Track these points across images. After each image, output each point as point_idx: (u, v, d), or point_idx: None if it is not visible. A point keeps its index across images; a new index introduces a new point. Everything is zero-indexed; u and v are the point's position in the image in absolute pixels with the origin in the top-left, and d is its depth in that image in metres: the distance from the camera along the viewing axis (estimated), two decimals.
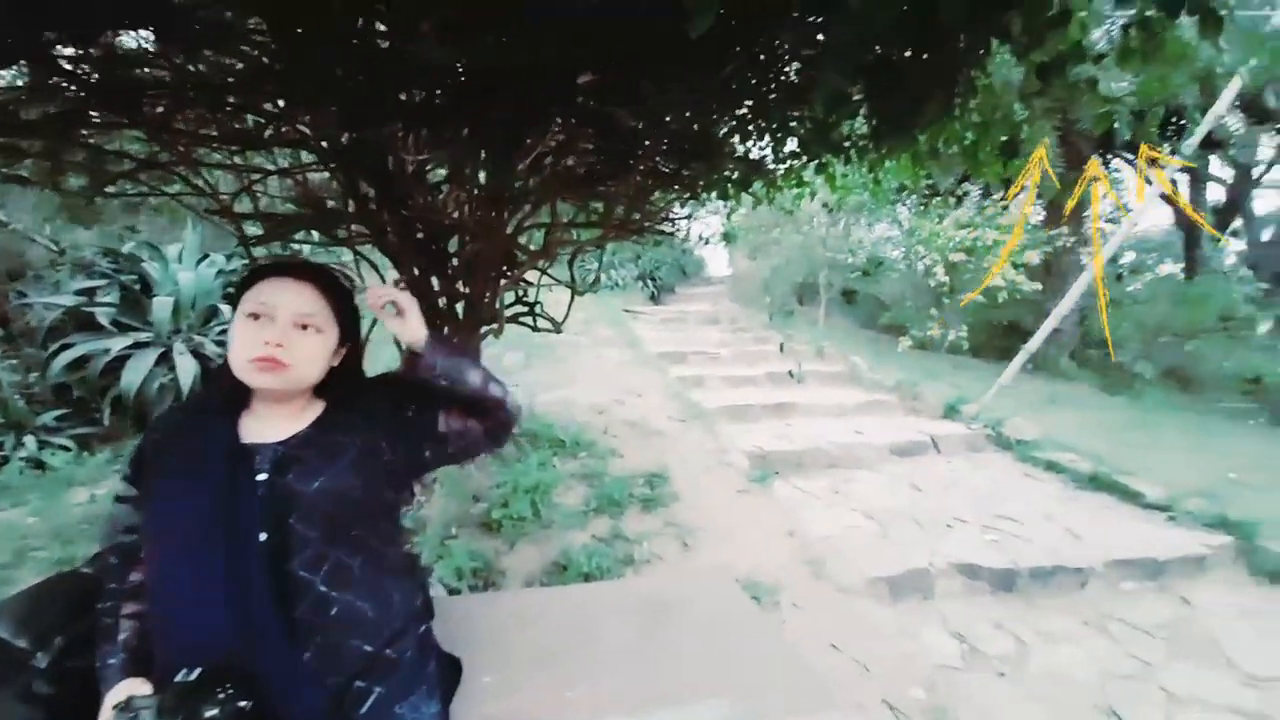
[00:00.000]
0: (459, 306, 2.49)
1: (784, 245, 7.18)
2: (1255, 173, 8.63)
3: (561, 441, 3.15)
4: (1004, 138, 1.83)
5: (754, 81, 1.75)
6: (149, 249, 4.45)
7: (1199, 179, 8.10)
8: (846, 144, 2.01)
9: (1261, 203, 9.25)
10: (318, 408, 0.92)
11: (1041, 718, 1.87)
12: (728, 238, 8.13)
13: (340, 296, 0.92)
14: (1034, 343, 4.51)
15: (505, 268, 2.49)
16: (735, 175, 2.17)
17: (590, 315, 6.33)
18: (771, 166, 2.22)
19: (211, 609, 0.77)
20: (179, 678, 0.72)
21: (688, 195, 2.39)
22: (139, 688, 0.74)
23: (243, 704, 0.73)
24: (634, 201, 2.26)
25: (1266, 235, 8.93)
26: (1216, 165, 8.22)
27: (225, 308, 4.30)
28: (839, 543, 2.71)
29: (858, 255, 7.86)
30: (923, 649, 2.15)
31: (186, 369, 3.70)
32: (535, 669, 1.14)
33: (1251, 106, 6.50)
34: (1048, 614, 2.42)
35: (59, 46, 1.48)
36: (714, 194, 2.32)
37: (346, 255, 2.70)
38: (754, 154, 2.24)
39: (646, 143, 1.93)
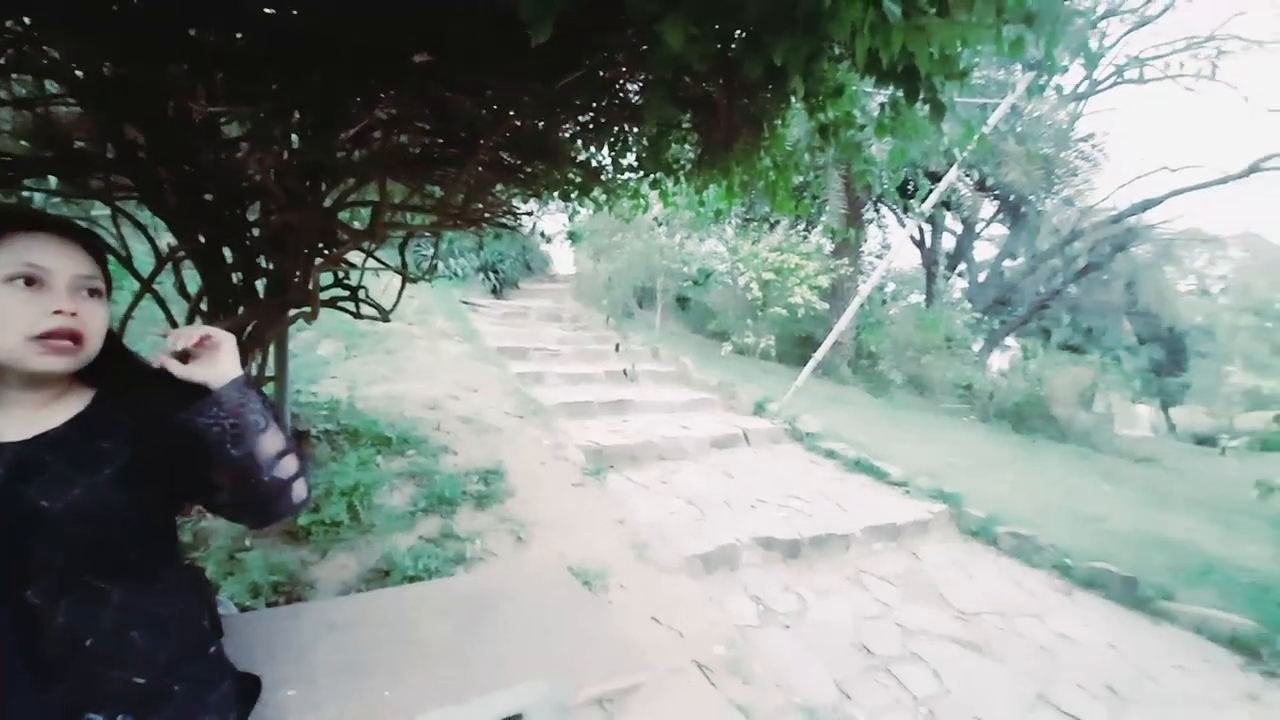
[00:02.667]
0: (260, 284, 2.19)
1: (626, 250, 7.53)
2: (977, 228, 11.37)
3: (387, 439, 2.93)
4: (797, 180, 2.20)
5: (594, 95, 1.86)
6: None
7: (936, 229, 10.42)
8: (675, 165, 2.22)
9: (978, 251, 12.23)
10: (77, 397, 0.76)
11: (813, 658, 2.29)
12: (573, 237, 8.25)
13: (105, 260, 0.78)
14: (820, 352, 5.39)
15: (322, 245, 2.25)
16: (577, 180, 2.26)
17: (426, 305, 5.93)
18: (610, 176, 2.35)
19: None
20: None
21: (530, 192, 2.41)
22: None
23: None
24: (475, 191, 2.22)
25: (981, 276, 11.82)
26: (950, 220, 10.65)
27: None
28: (663, 527, 2.96)
29: (690, 266, 8.57)
30: (727, 613, 2.46)
31: None
32: (346, 676, 1.09)
33: (975, 178, 8.58)
34: (821, 574, 2.94)
35: None
36: (556, 194, 2.38)
37: (100, 210, 2.21)
38: (594, 162, 2.35)
39: (489, 134, 1.92)
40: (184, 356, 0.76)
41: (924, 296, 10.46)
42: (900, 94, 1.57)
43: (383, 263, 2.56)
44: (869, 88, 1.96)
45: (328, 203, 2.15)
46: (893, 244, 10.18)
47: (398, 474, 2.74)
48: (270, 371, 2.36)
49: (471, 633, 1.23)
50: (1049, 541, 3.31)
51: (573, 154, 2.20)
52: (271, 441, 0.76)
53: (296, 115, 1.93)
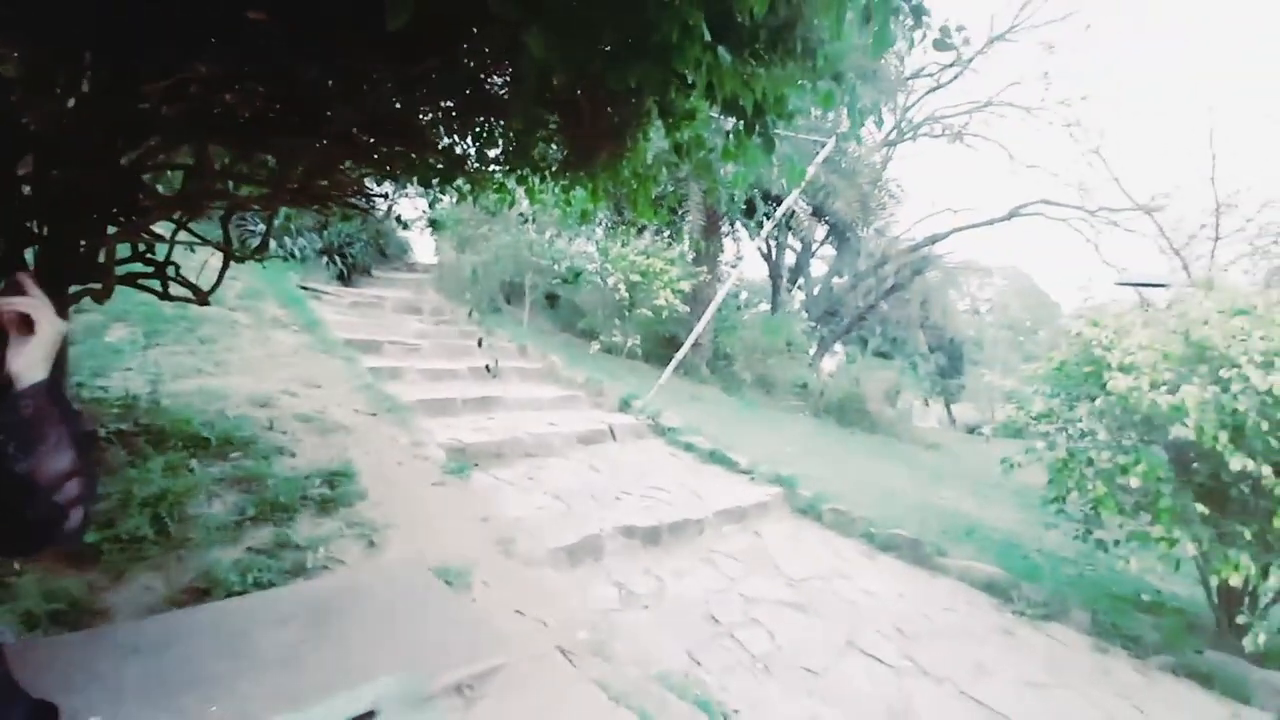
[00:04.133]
0: (31, 252, 1.79)
1: (493, 243, 7.30)
2: (813, 248, 12.88)
3: (203, 440, 2.55)
4: (656, 190, 2.36)
5: (457, 83, 1.82)
6: None
7: (780, 246, 11.65)
8: (543, 164, 2.26)
9: (814, 268, 13.90)
10: None
11: (670, 633, 2.46)
12: (435, 225, 7.79)
13: None
14: (682, 353, 5.76)
15: (117, 212, 1.91)
16: (438, 166, 2.18)
17: (255, 289, 5.20)
18: (475, 167, 2.31)
19: None
20: None
21: (385, 173, 2.27)
22: None
23: None
24: (319, 166, 2.03)
25: (816, 290, 13.44)
26: (791, 239, 11.95)
27: None
28: (529, 522, 2.96)
29: (560, 264, 8.56)
30: (590, 600, 2.55)
31: None
32: (160, 696, 0.97)
33: (811, 204, 9.73)
34: (678, 557, 3.16)
35: None
36: (415, 180, 2.27)
37: None
38: (458, 150, 2.28)
39: (338, 107, 1.78)
40: None
41: (770, 305, 11.62)
42: (741, 125, 1.78)
43: (199, 237, 2.23)
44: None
45: (125, 160, 1.83)
46: (744, 255, 11.14)
47: (218, 480, 2.40)
48: None
49: (314, 638, 1.15)
50: (860, 515, 3.92)
51: (434, 140, 2.12)
52: (62, 459, 0.67)
53: (88, 57, 1.62)
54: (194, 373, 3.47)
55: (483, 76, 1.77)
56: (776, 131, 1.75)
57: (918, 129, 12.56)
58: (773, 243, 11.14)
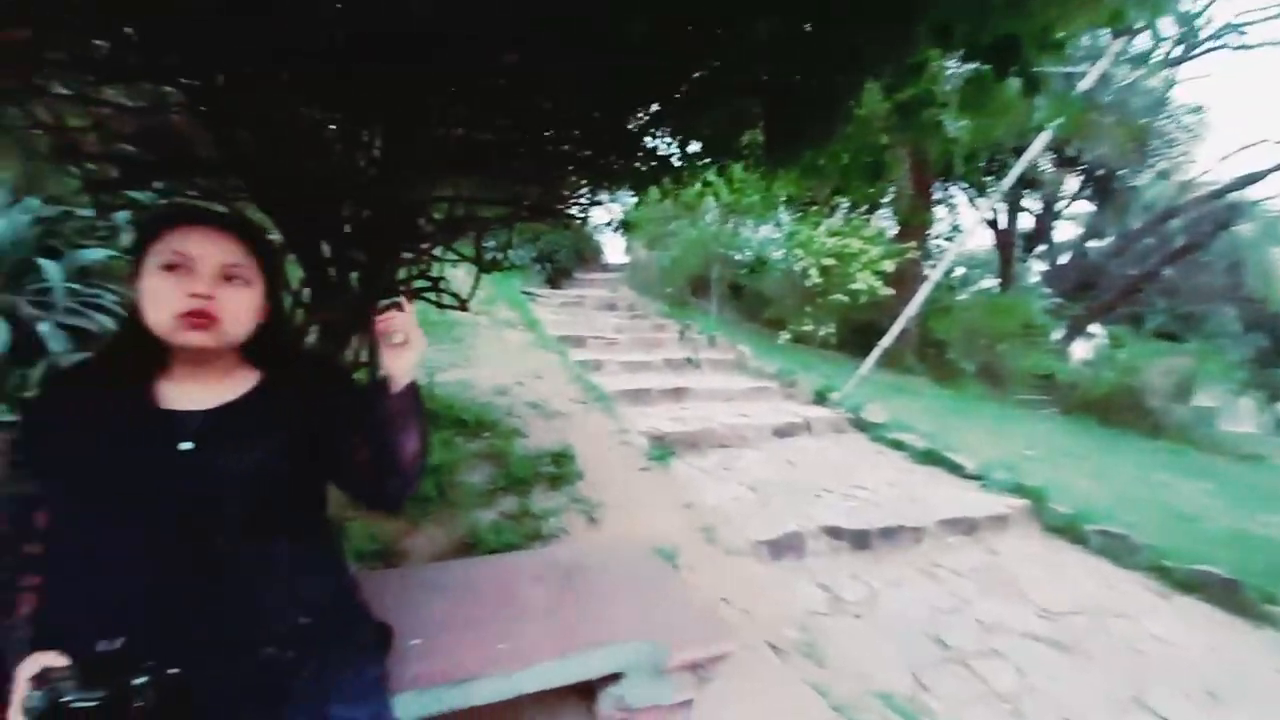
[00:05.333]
0: (353, 276, 2.36)
1: (681, 238, 7.50)
2: (1058, 207, 10.59)
3: (464, 421, 3.10)
4: (871, 161, 2.14)
5: (666, 83, 1.87)
6: None
7: (1014, 209, 9.77)
8: (745, 152, 2.21)
9: (1060, 232, 11.39)
10: (248, 373, 0.87)
11: (887, 647, 2.26)
12: (626, 226, 8.28)
13: (264, 248, 0.88)
14: (887, 340, 5.21)
15: (407, 239, 2.40)
16: (645, 169, 2.29)
17: (490, 295, 6.16)
18: (677, 164, 2.37)
19: (129, 580, 0.73)
20: (101, 647, 0.68)
21: (600, 183, 2.46)
22: (51, 660, 0.69)
23: (171, 671, 0.71)
24: (549, 184, 2.29)
25: (1063, 259, 11.02)
26: (1027, 198, 9.97)
27: (46, 263, 3.59)
28: (727, 512, 2.98)
29: (745, 253, 8.44)
30: (795, 598, 2.47)
31: None
32: (460, 630, 1.19)
33: (1058, 153, 7.98)
34: (892, 565, 2.88)
35: None
36: (626, 185, 2.42)
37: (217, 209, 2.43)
38: (661, 150, 2.37)
39: (561, 128, 1.98)
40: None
41: (998, 281, 9.86)
42: (987, 69, 1.50)
43: (460, 254, 2.69)
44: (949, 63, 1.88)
45: (412, 199, 2.28)
46: (963, 225, 9.62)
47: (476, 454, 2.90)
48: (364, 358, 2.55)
49: (568, 597, 1.31)
50: (1145, 542, 3.10)
51: (641, 144, 2.23)
52: (418, 442, 0.89)
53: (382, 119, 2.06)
54: (452, 366, 4.24)
55: (687, 74, 1.80)
56: (1038, 71, 1.44)
57: (1218, 37, 9.27)
58: (1003, 206, 9.37)
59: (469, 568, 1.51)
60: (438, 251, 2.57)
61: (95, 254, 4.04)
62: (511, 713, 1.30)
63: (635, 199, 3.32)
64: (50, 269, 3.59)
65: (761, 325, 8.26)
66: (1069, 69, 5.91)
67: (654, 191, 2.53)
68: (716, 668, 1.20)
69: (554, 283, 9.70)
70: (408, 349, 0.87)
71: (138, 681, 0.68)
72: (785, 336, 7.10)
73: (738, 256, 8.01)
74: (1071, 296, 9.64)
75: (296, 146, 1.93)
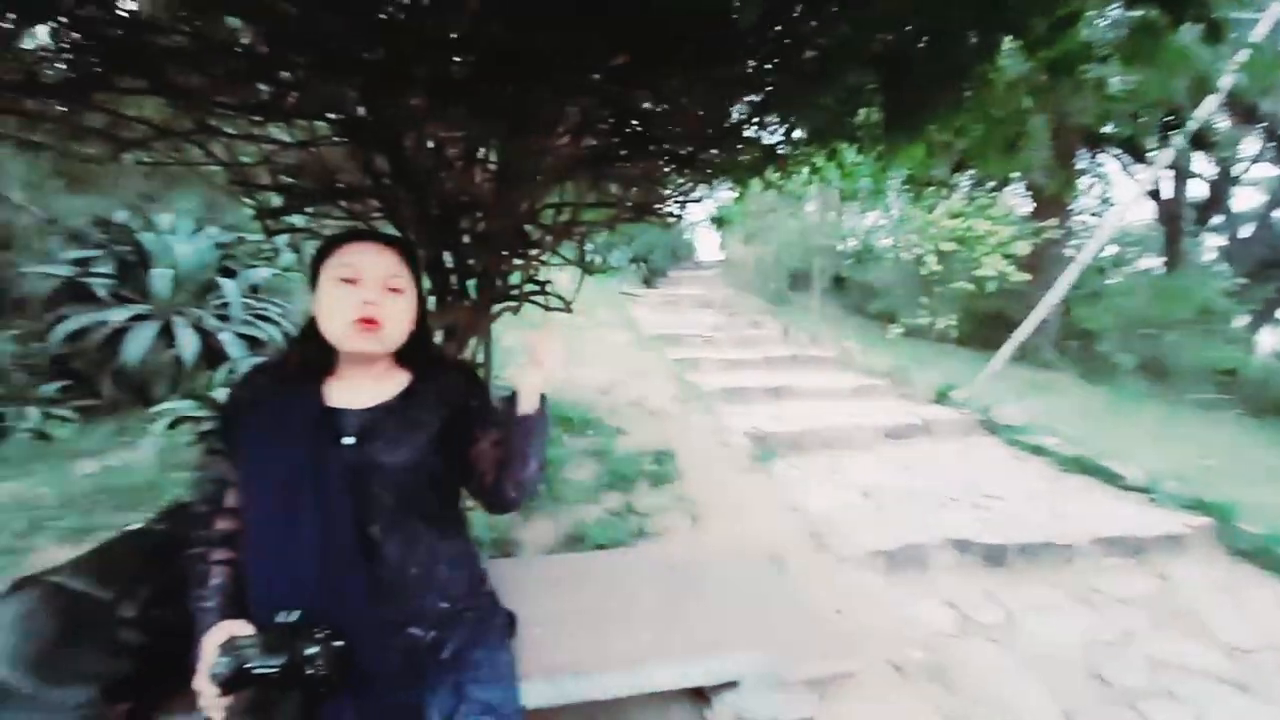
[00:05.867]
0: (470, 284, 2.52)
1: (780, 231, 7.24)
2: (1236, 170, 8.86)
3: (570, 419, 3.21)
4: (1011, 132, 1.90)
5: (772, 69, 1.79)
6: (141, 219, 4.36)
7: (1182, 175, 8.29)
8: (859, 132, 2.06)
9: (1240, 199, 9.51)
10: (399, 375, 0.96)
11: (1033, 680, 2.01)
12: (719, 222, 8.17)
13: (415, 261, 0.95)
14: (1023, 332, 4.65)
15: (519, 246, 2.51)
16: (749, 160, 2.21)
17: (589, 297, 6.35)
18: (783, 152, 2.26)
19: (303, 560, 0.82)
20: (279, 619, 0.77)
21: (702, 179, 2.43)
22: (239, 628, 0.79)
23: (337, 644, 0.78)
24: (651, 184, 2.29)
25: (1245, 231, 9.20)
26: (1198, 162, 8.42)
27: (225, 281, 4.25)
28: (838, 519, 2.82)
29: (849, 243, 7.96)
30: (919, 616, 2.27)
31: (187, 342, 3.67)
32: (578, 624, 1.22)
33: (1236, 107, 6.67)
34: (1035, 587, 2.56)
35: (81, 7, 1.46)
36: (728, 178, 2.36)
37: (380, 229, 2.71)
38: (765, 139, 2.27)
39: (665, 126, 1.96)
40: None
41: (1162, 260, 8.44)
42: (1156, 13, 1.27)
43: (565, 258, 2.78)
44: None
45: (523, 208, 2.39)
46: (1115, 198, 8.34)
47: (581, 452, 2.99)
48: (480, 360, 2.72)
49: (683, 598, 1.30)
50: None
51: (744, 135, 2.16)
52: (537, 458, 0.95)
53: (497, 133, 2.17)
54: None
55: (795, 56, 1.70)
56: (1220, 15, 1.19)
57: None
58: (1167, 173, 7.99)
59: (582, 562, 1.54)
60: (545, 256, 2.67)
61: (263, 272, 4.72)
62: (621, 709, 1.32)
63: (735, 193, 3.24)
64: (228, 287, 4.25)
65: (867, 318, 7.75)
66: (1241, 14, 4.91)
67: (755, 183, 2.45)
68: (841, 687, 1.12)
69: (649, 282, 9.80)
70: (540, 368, 0.92)
71: (310, 651, 0.76)
72: (897, 330, 6.59)
73: (841, 247, 7.57)
74: (1257, 276, 7.98)
75: (424, 167, 2.09)
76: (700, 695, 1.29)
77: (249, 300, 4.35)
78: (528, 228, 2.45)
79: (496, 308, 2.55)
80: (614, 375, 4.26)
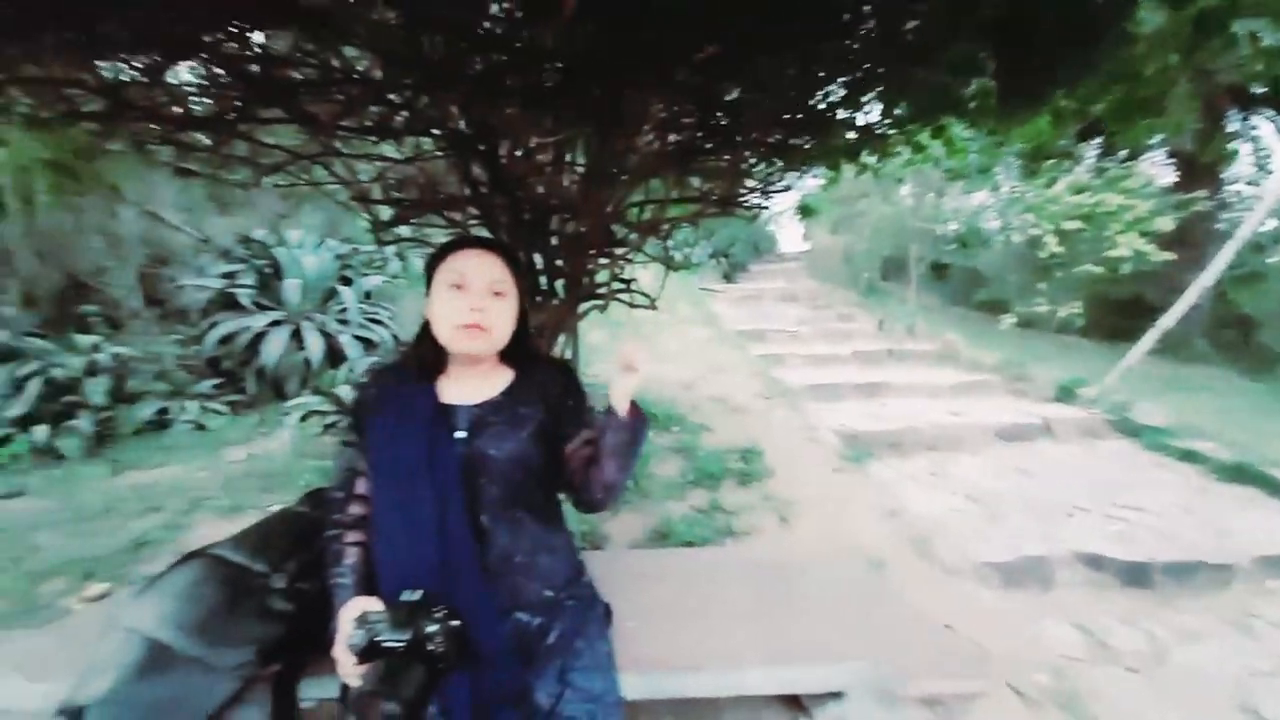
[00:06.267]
0: (559, 284, 2.60)
1: (870, 217, 6.83)
2: None
3: (654, 415, 3.22)
4: (1156, 93, 1.65)
5: (871, 44, 1.68)
6: (276, 236, 4.93)
7: None
8: (970, 105, 1.88)
9: None
10: (504, 374, 1.01)
11: (1179, 714, 1.75)
12: (805, 211, 7.87)
13: (518, 266, 1.00)
14: (1168, 319, 4.06)
15: (605, 246, 2.56)
16: (843, 144, 2.10)
17: (670, 293, 6.36)
18: (882, 132, 2.12)
19: (422, 544, 0.88)
20: (404, 596, 0.83)
21: (790, 167, 2.34)
22: (369, 604, 0.87)
23: (454, 623, 0.84)
24: (736, 176, 2.24)
25: None
26: None
27: (343, 289, 4.70)
28: (943, 525, 2.62)
29: (950, 226, 7.33)
30: (1043, 638, 2.06)
31: (314, 344, 4.10)
32: (669, 620, 1.22)
33: None
34: (1185, 611, 2.24)
35: (224, 46, 1.66)
36: (820, 165, 2.26)
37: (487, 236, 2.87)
38: (861, 120, 2.15)
39: (752, 115, 1.91)
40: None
41: None
42: None
43: (649, 255, 2.79)
44: None
45: (609, 207, 2.43)
46: (1276, 164, 7.06)
47: (666, 448, 3.00)
48: (568, 357, 2.80)
49: (776, 600, 1.26)
50: None
51: (838, 118, 2.05)
52: (626, 466, 0.97)
53: (584, 136, 2.22)
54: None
55: (897, 29, 1.59)
56: None
57: None
58: None
59: (671, 558, 1.55)
60: (630, 254, 2.70)
61: (374, 280, 5.17)
62: (714, 709, 1.30)
63: (823, 180, 3.10)
64: (346, 294, 4.70)
65: (972, 309, 7.13)
66: None
67: (849, 169, 2.32)
68: (962, 708, 1.03)
69: (730, 277, 9.64)
70: (632, 375, 0.93)
71: (431, 629, 0.81)
72: (1009, 321, 5.99)
73: (941, 231, 7.00)
74: None
75: (517, 173, 2.18)
76: (797, 703, 1.24)
77: (363, 305, 4.79)
78: (614, 227, 2.49)
79: (584, 306, 2.62)
80: (696, 371, 4.24)
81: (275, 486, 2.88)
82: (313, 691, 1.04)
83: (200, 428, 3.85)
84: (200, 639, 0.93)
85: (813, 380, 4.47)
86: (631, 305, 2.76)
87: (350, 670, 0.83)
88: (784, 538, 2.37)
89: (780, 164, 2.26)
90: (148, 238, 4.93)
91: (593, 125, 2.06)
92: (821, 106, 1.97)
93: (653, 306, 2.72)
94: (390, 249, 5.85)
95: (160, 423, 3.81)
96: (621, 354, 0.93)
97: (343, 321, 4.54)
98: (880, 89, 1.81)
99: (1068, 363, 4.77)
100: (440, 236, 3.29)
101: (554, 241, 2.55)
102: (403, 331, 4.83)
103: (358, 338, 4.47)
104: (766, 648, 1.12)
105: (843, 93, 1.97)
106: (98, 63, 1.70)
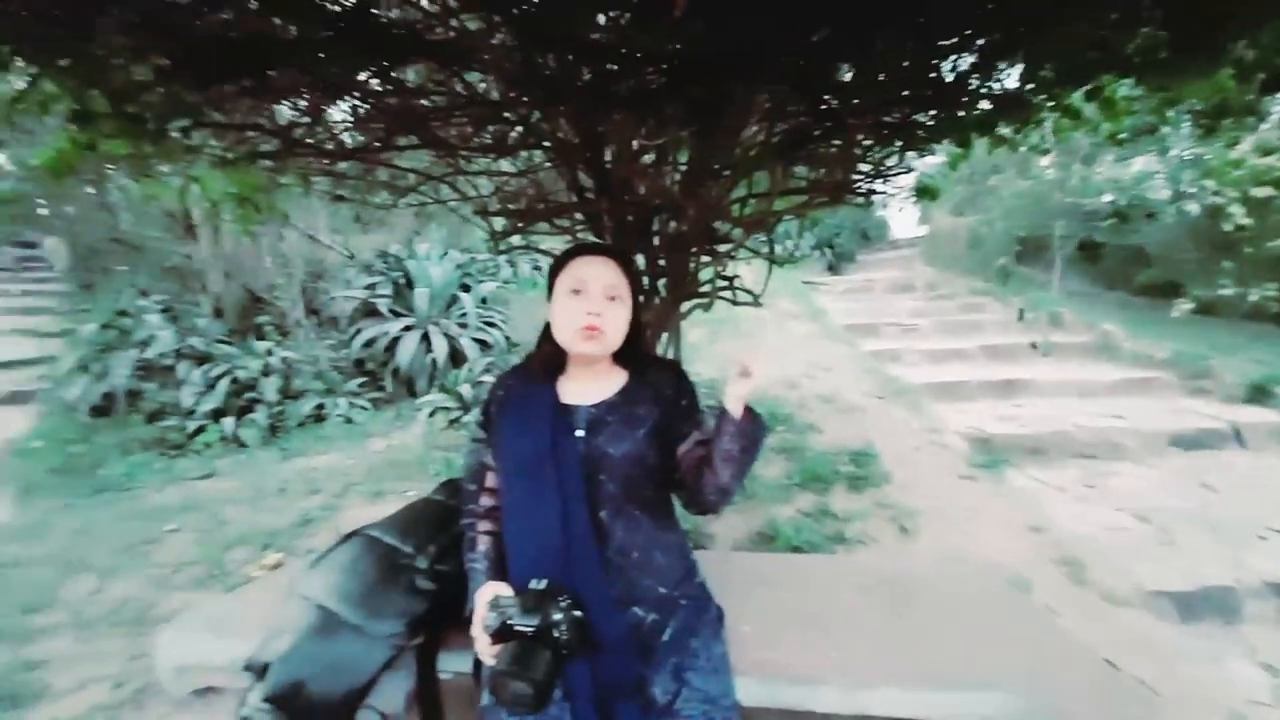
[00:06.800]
0: (661, 283, 2.61)
1: (1004, 195, 6.12)
2: None
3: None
4: None
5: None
6: (408, 250, 5.48)
7: None
8: (1135, 60, 1.62)
9: None
10: (618, 375, 1.04)
11: None
12: (924, 193, 7.26)
13: (632, 271, 1.03)
14: None
15: (708, 243, 2.53)
16: (975, 117, 1.89)
17: (771, 287, 6.17)
18: (1025, 100, 1.89)
19: (547, 536, 0.93)
20: (532, 584, 0.88)
21: (911, 147, 2.16)
22: (501, 589, 0.93)
23: (578, 613, 0.87)
24: (848, 162, 2.11)
25: None
26: None
27: (463, 295, 5.12)
28: (1101, 546, 2.29)
29: (1102, 199, 6.34)
30: (1225, 679, 1.73)
31: (440, 347, 4.51)
32: (784, 626, 1.17)
33: None
34: None
35: (370, 83, 1.86)
36: (947, 141, 2.06)
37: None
38: (996, 88, 1.92)
39: (867, 96, 1.78)
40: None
41: None
42: None
43: (753, 251, 2.72)
44: None
45: (712, 204, 2.40)
46: None
47: (771, 449, 2.91)
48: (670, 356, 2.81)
49: (902, 615, 1.17)
50: None
51: (969, 87, 1.85)
52: (739, 472, 0.94)
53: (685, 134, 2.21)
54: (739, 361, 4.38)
55: None
56: None
57: None
58: None
59: (783, 563, 1.50)
60: (734, 251, 2.65)
61: (489, 286, 5.57)
62: None
63: (943, 159, 2.82)
64: (465, 300, 5.11)
65: (1132, 293, 6.13)
66: None
67: (982, 143, 2.09)
68: None
69: (835, 269, 9.15)
70: (747, 380, 0.91)
71: (556, 617, 0.85)
72: (1184, 306, 5.08)
73: (1091, 205, 6.08)
74: None
75: (620, 176, 2.23)
76: None
77: (479, 310, 5.18)
78: (718, 223, 2.46)
79: (687, 305, 2.61)
80: (802, 369, 4.07)
81: (411, 475, 3.20)
82: (449, 664, 1.13)
83: (349, 421, 4.38)
84: (360, 609, 1.06)
85: (934, 378, 4.11)
86: (734, 302, 2.71)
87: (485, 649, 0.90)
88: (905, 549, 2.21)
89: (899, 145, 2.10)
90: (307, 256, 5.71)
91: (697, 124, 2.05)
92: (949, 78, 1.80)
93: (757, 303, 2.65)
94: (502, 257, 6.27)
95: (318, 416, 4.39)
96: (738, 359, 0.92)
97: (462, 325, 4.94)
98: (1022, 51, 1.61)
99: (1262, 356, 3.96)
100: (547, 243, 3.48)
101: (655, 241, 2.58)
102: (514, 333, 5.15)
103: (475, 340, 4.84)
104: (894, 666, 1.04)
105: (974, 59, 1.78)
106: (271, 107, 2.00)
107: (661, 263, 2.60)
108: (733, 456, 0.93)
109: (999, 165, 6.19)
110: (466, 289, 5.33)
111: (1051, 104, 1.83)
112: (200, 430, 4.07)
